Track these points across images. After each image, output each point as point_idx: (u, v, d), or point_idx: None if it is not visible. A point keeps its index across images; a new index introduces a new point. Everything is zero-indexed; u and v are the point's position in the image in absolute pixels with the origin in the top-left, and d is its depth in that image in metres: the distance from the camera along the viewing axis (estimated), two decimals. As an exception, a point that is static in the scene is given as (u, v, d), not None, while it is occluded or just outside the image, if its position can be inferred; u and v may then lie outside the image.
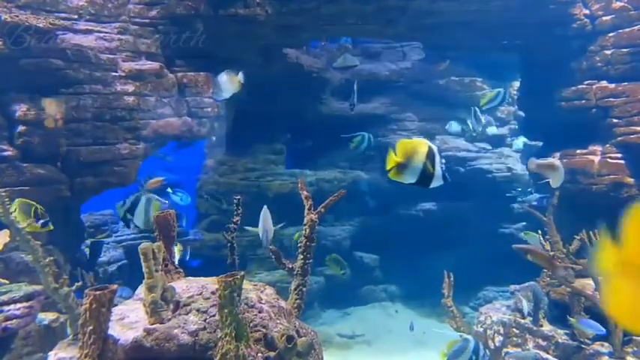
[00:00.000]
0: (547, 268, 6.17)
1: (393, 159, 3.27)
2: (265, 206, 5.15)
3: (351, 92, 6.68)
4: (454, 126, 11.51)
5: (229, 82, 6.19)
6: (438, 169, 3.24)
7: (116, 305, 3.24)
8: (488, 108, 8.98)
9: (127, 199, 5.59)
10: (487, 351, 5.72)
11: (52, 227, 5.29)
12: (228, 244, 4.55)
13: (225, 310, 2.68)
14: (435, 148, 3.28)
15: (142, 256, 3.20)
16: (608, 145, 7.33)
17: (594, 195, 7.30)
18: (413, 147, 3.28)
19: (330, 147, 11.93)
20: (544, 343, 6.35)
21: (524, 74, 9.63)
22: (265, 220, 5.07)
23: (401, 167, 3.28)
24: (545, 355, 6.16)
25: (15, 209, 5.14)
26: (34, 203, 5.24)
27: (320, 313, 10.74)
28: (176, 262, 4.00)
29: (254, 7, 7.26)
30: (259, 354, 3.09)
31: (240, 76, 6.18)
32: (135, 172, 7.04)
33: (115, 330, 3.07)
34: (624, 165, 7.11)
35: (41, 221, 5.21)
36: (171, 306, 3.28)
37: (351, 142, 9.25)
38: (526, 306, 6.62)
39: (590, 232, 6.12)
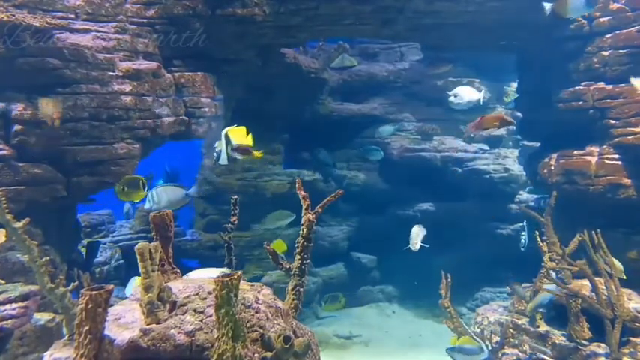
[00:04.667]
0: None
1: None
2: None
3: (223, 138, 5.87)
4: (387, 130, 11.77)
5: None
6: None
7: (112, 305, 3.23)
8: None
9: None
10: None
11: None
12: (225, 245, 4.55)
13: (222, 311, 2.67)
14: None
15: (138, 256, 3.19)
16: (605, 147, 7.33)
17: (591, 196, 7.30)
18: None
19: (328, 147, 11.93)
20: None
21: (522, 75, 9.64)
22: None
23: None
24: (542, 356, 6.17)
25: (122, 188, 5.20)
26: (138, 177, 5.37)
27: (317, 314, 10.75)
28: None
29: (252, 7, 7.25)
30: (256, 354, 3.08)
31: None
32: (132, 172, 7.00)
33: (111, 330, 3.06)
34: (621, 166, 7.10)
35: (146, 190, 5.73)
36: (168, 306, 3.27)
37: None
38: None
39: (590, 233, 6.12)
